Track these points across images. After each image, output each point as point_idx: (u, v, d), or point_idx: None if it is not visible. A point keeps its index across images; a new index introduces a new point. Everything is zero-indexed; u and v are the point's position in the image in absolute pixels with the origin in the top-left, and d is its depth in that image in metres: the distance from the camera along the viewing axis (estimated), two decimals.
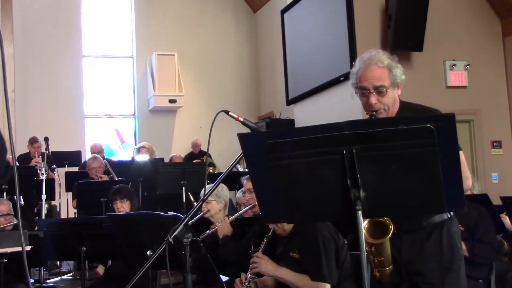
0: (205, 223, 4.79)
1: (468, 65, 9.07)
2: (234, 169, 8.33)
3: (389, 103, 2.78)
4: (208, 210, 4.75)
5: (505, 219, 5.08)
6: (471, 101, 9.10)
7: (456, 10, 9.25)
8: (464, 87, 9.12)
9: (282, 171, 2.09)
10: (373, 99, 2.76)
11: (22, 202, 7.14)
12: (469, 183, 3.01)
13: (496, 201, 5.15)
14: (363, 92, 2.79)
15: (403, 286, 2.85)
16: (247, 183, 4.71)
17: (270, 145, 2.05)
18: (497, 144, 9.28)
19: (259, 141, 2.11)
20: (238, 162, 2.75)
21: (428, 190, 2.03)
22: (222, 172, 4.86)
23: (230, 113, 2.89)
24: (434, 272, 2.74)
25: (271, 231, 3.79)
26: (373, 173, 2.02)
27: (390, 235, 2.64)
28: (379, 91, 2.76)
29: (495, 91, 9.34)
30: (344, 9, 8.74)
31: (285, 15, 10.93)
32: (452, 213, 2.79)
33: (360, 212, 2.05)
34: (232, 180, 7.21)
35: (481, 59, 9.23)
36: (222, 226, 4.59)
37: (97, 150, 9.34)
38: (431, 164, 1.97)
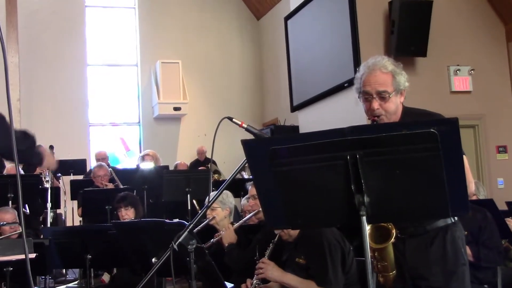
0: (211, 230, 4.79)
1: (472, 70, 9.04)
2: (239, 176, 8.36)
3: (391, 109, 2.79)
4: (214, 217, 4.75)
5: (511, 222, 5.06)
6: (476, 106, 9.07)
7: (459, 15, 9.24)
8: (469, 92, 9.09)
9: (285, 177, 2.09)
10: (376, 104, 2.77)
11: (28, 211, 7.16)
12: (472, 188, 3.01)
13: (502, 206, 5.14)
14: (366, 97, 2.81)
15: None
16: (251, 189, 4.71)
17: (274, 151, 2.05)
18: (502, 149, 9.24)
19: (263, 147, 2.12)
20: (242, 168, 2.75)
21: (432, 194, 2.02)
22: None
23: (233, 119, 2.89)
24: (438, 276, 2.73)
25: (277, 236, 3.79)
26: (377, 178, 2.02)
27: (392, 240, 2.64)
28: (382, 96, 2.77)
29: (499, 96, 9.31)
30: (348, 15, 8.75)
31: (289, 22, 10.94)
32: (456, 218, 2.79)
33: (364, 218, 2.05)
34: (237, 187, 7.22)
35: (485, 64, 9.21)
36: (227, 234, 4.58)
37: (101, 157, 9.35)
38: (435, 169, 1.96)
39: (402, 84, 2.82)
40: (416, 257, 2.77)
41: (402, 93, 2.84)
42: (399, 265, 2.80)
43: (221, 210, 4.79)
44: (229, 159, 11.03)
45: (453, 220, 2.77)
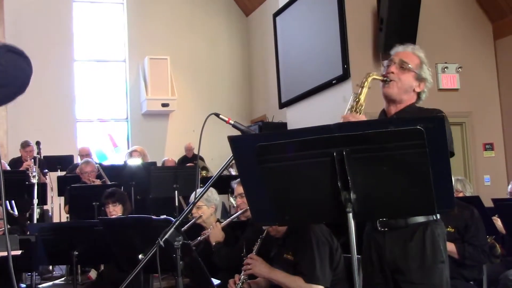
0: (198, 227, 4.79)
1: (460, 67, 9.09)
2: (226, 173, 8.34)
3: (404, 82, 2.88)
4: (200, 216, 4.74)
5: (497, 221, 5.08)
6: (463, 103, 9.12)
7: (447, 13, 9.28)
8: (456, 89, 9.14)
9: (272, 173, 2.09)
10: (393, 68, 2.88)
11: (16, 209, 7.10)
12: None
13: (488, 203, 5.16)
14: (388, 64, 2.93)
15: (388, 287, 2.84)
16: (237, 188, 4.69)
17: (261, 147, 2.05)
18: (489, 147, 9.30)
19: (249, 143, 2.11)
20: (228, 165, 2.74)
21: (418, 191, 2.03)
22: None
23: (220, 115, 2.88)
24: (415, 272, 2.73)
25: (265, 232, 3.79)
26: (363, 175, 2.02)
27: None
28: (402, 66, 2.87)
29: (487, 93, 9.37)
30: (336, 12, 8.76)
31: (277, 18, 10.94)
32: (438, 216, 2.79)
33: (350, 214, 2.05)
34: (224, 184, 7.21)
35: (472, 62, 9.26)
36: (214, 232, 4.57)
37: (84, 153, 9.32)
38: (421, 166, 1.97)
39: (425, 74, 2.92)
40: (395, 250, 2.77)
41: (422, 81, 2.92)
42: (379, 260, 2.81)
43: (206, 208, 4.79)
44: (217, 156, 11.02)
45: (434, 218, 2.77)
